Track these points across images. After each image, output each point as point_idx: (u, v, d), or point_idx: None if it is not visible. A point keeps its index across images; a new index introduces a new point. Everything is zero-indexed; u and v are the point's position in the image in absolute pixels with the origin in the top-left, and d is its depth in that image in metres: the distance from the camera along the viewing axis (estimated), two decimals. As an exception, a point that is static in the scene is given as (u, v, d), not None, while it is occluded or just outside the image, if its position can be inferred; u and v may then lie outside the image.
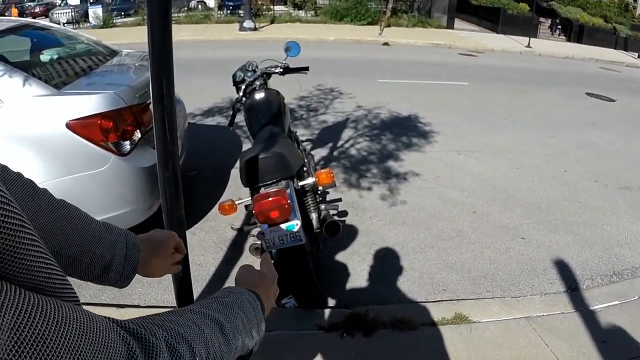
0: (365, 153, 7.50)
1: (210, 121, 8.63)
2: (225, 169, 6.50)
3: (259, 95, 4.47)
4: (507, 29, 28.66)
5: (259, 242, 3.46)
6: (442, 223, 5.53)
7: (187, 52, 14.80)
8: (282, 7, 30.73)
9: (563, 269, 4.80)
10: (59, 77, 4.41)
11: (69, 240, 1.15)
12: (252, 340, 1.03)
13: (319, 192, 4.18)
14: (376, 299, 4.12)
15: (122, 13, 31.22)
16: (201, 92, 9.80)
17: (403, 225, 5.43)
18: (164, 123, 2.02)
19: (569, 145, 8.67)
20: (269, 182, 3.52)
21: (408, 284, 4.41)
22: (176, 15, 27.65)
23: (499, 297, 4.26)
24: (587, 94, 13.33)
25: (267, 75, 4.73)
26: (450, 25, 29.41)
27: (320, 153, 7.31)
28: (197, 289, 3.91)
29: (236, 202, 3.76)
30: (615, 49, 27.98)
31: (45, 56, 4.91)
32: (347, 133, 8.33)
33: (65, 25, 24.70)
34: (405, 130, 8.71)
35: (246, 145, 6.84)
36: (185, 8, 32.01)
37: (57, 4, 37.78)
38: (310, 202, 3.91)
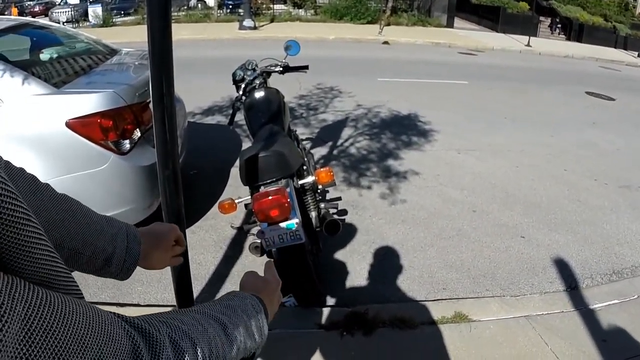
0: (365, 152, 7.50)
1: (210, 120, 8.63)
2: (225, 167, 6.50)
3: (259, 94, 4.46)
4: (507, 28, 28.66)
5: (259, 241, 3.46)
6: (442, 222, 5.53)
7: (187, 51, 14.80)
8: (282, 6, 30.77)
9: (563, 267, 4.80)
10: (59, 76, 4.41)
11: (70, 233, 1.15)
12: (255, 343, 1.04)
13: (319, 190, 4.17)
14: (376, 297, 4.13)
15: (122, 12, 31.22)
16: (201, 91, 9.80)
17: (403, 223, 5.43)
18: (164, 122, 2.03)
19: (569, 144, 8.66)
20: (268, 181, 3.52)
21: (408, 283, 4.41)
22: (176, 14, 27.67)
23: (499, 296, 4.26)
24: (587, 93, 13.33)
25: (266, 74, 4.73)
26: (450, 24, 29.41)
27: (320, 152, 7.31)
28: (196, 288, 3.91)
29: (236, 201, 3.76)
30: (615, 47, 27.98)
31: (44, 55, 4.91)
32: (346, 132, 8.33)
33: (65, 24, 24.67)
34: (405, 129, 8.72)
35: (246, 144, 6.84)
36: (185, 7, 32.05)
37: (57, 3, 37.79)
38: (310, 200, 3.91)
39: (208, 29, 23.25)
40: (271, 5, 29.88)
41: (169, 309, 3.36)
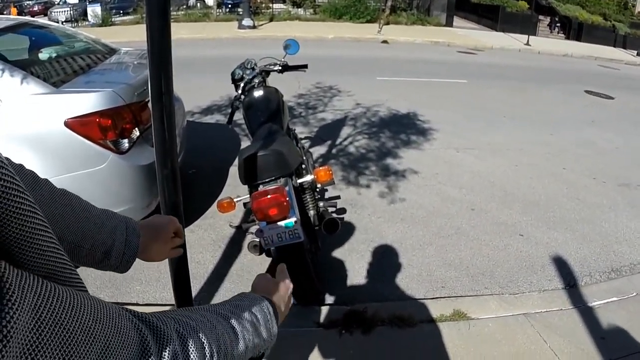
0: (364, 150, 7.50)
1: (209, 119, 8.63)
2: (224, 166, 6.51)
3: (258, 93, 4.47)
4: (506, 27, 28.69)
5: (258, 240, 3.46)
6: (440, 220, 5.53)
7: (186, 50, 14.80)
8: (281, 5, 30.77)
9: (561, 265, 4.80)
10: (58, 76, 4.41)
11: (70, 227, 1.17)
12: (264, 343, 1.06)
13: (318, 189, 4.18)
14: (375, 296, 4.13)
15: (121, 11, 31.24)
16: (200, 90, 9.81)
17: (402, 222, 5.43)
18: (163, 121, 2.03)
19: (568, 142, 8.67)
20: (267, 180, 3.52)
21: (406, 281, 4.42)
22: (175, 13, 27.67)
23: (498, 294, 4.26)
24: (586, 91, 13.33)
25: (265, 73, 4.73)
26: (449, 23, 29.43)
27: (319, 151, 7.32)
28: (195, 287, 3.92)
29: (235, 200, 3.76)
30: (614, 46, 28.03)
31: (43, 54, 4.91)
32: (345, 131, 8.34)
33: (64, 23, 24.68)
34: (404, 128, 8.72)
35: (245, 143, 6.84)
36: (184, 6, 32.07)
37: (56, 3, 37.78)
38: (308, 199, 3.92)
39: (207, 28, 23.25)
40: (270, 5, 29.92)
41: (168, 308, 3.38)
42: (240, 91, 4.52)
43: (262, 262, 4.41)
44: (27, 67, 4.16)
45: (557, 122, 10.02)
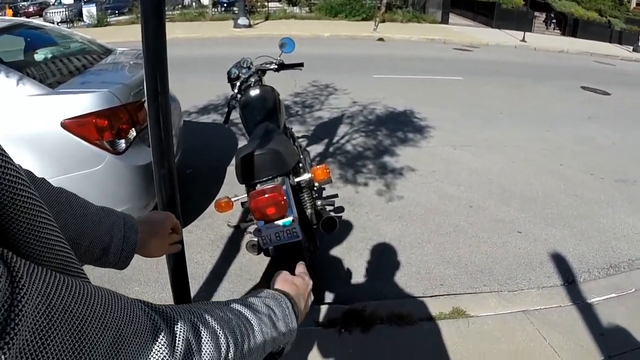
0: (361, 149, 7.50)
1: (206, 119, 8.62)
2: (221, 166, 6.50)
3: (254, 92, 4.46)
4: (502, 24, 28.69)
5: (256, 239, 3.46)
6: (438, 218, 5.53)
7: (182, 50, 14.80)
8: (277, 4, 30.78)
9: (560, 262, 4.80)
10: (54, 76, 4.40)
11: (68, 225, 1.16)
12: (283, 338, 1.05)
13: (315, 188, 4.17)
14: (373, 294, 4.12)
15: (116, 11, 31.21)
16: (196, 90, 9.79)
17: (400, 220, 5.43)
18: (159, 120, 2.02)
19: (565, 139, 8.68)
20: (265, 179, 3.52)
21: (405, 279, 4.42)
22: (170, 13, 27.68)
23: (496, 291, 4.26)
24: (583, 87, 13.35)
25: (262, 71, 4.72)
26: (444, 20, 29.45)
27: (316, 149, 7.31)
28: (194, 287, 3.91)
29: (232, 199, 3.75)
30: (610, 42, 28.05)
31: (39, 55, 4.90)
32: (342, 129, 8.34)
33: (60, 24, 24.60)
34: (400, 126, 8.72)
35: (242, 142, 6.84)
36: (180, 6, 32.07)
37: (51, 3, 37.74)
38: (306, 198, 3.91)
39: (203, 28, 23.23)
40: (266, 3, 29.90)
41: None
42: (236, 90, 4.51)
43: (261, 262, 4.40)
44: (23, 68, 4.15)
45: (553, 118, 10.03)
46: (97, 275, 4.05)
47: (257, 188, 3.42)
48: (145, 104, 2.01)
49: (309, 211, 3.89)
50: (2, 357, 0.48)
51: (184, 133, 5.80)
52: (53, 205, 1.14)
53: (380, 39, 21.36)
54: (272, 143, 3.61)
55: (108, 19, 28.19)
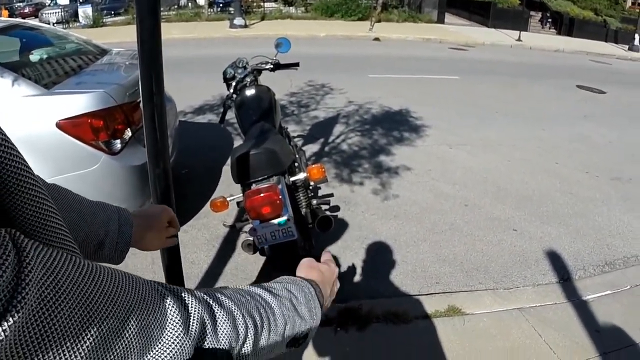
0: (356, 148, 7.50)
1: (201, 119, 8.61)
2: (217, 166, 6.50)
3: (250, 92, 4.46)
4: (498, 23, 28.75)
5: (251, 239, 3.46)
6: (434, 216, 5.54)
7: (178, 50, 14.78)
8: (273, 4, 30.80)
9: (555, 259, 4.82)
10: (49, 77, 4.39)
11: (63, 219, 1.16)
12: (305, 323, 1.03)
13: (311, 187, 4.18)
14: (369, 293, 4.12)
15: (112, 12, 31.22)
16: (191, 90, 9.78)
17: (395, 219, 5.44)
18: (154, 120, 2.03)
19: (561, 138, 8.69)
20: (260, 178, 3.52)
21: (401, 278, 4.42)
22: (166, 13, 27.67)
23: (492, 289, 4.27)
24: (578, 86, 13.38)
25: (257, 71, 4.72)
26: (440, 20, 29.49)
27: (311, 149, 7.32)
28: (189, 287, 3.89)
29: (228, 199, 3.76)
30: (606, 41, 28.14)
31: (34, 56, 4.89)
32: (338, 128, 8.34)
33: (55, 25, 24.61)
34: (396, 125, 8.72)
35: (237, 142, 6.83)
36: (176, 6, 32.05)
37: (47, 4, 37.69)
38: (301, 197, 3.91)
39: (198, 28, 23.21)
40: (262, 3, 29.94)
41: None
42: (232, 90, 4.51)
43: (256, 261, 4.41)
44: (18, 69, 4.14)
45: (549, 117, 10.04)
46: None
47: (252, 187, 3.42)
48: (141, 104, 2.01)
49: (304, 210, 3.89)
50: (12, 324, 0.49)
51: (179, 133, 5.80)
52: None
53: (376, 39, 21.36)
54: (268, 142, 3.61)
55: (104, 20, 28.13)
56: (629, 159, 7.83)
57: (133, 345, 0.67)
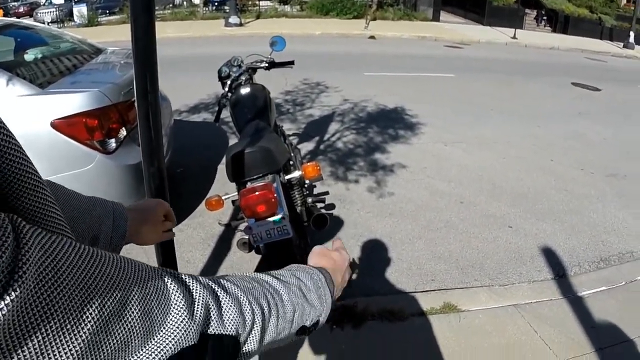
0: (352, 146, 7.51)
1: (196, 118, 8.60)
2: (212, 165, 6.49)
3: (245, 90, 4.46)
4: (493, 21, 28.76)
5: (247, 237, 3.46)
6: (429, 214, 5.55)
7: (173, 49, 14.76)
8: (268, 2, 30.69)
9: (550, 256, 4.83)
10: (44, 77, 4.39)
11: None
12: (315, 311, 1.02)
13: (306, 185, 4.17)
14: (365, 290, 4.12)
15: (107, 11, 31.08)
16: (187, 89, 9.76)
17: (391, 216, 5.44)
18: (148, 119, 2.02)
19: (556, 135, 8.72)
20: (255, 177, 3.51)
21: (396, 275, 4.43)
22: (161, 12, 27.60)
23: (487, 286, 4.28)
24: (573, 84, 13.41)
25: (252, 70, 4.71)
26: (436, 18, 29.49)
27: (306, 147, 7.32)
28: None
29: (223, 198, 3.75)
30: (601, 39, 28.20)
31: (29, 56, 4.88)
32: (333, 126, 8.34)
33: (50, 24, 24.53)
34: (391, 123, 8.73)
35: (232, 141, 6.83)
36: (171, 5, 31.96)
37: (42, 4, 37.56)
38: (297, 195, 3.91)
39: (194, 27, 23.16)
40: (257, 2, 29.85)
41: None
42: (227, 89, 4.50)
43: (252, 260, 4.41)
44: (13, 68, 4.14)
45: (544, 114, 10.07)
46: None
47: (247, 186, 3.41)
48: (135, 103, 2.01)
49: (299, 208, 3.89)
50: (10, 304, 0.49)
51: (174, 132, 5.80)
52: None
53: (372, 37, 21.36)
54: (263, 141, 3.61)
55: (99, 19, 28.04)
56: (623, 156, 7.85)
57: (136, 330, 0.67)
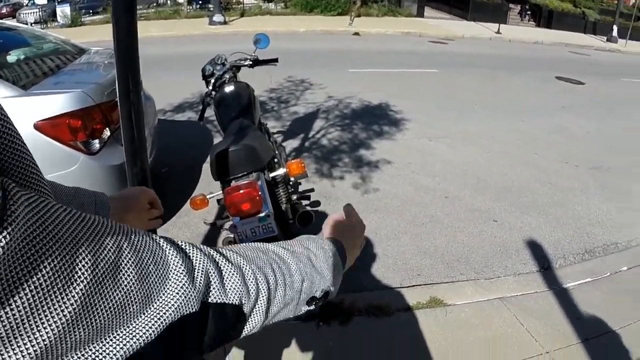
0: (336, 143, 7.52)
1: (181, 117, 8.58)
2: (196, 164, 6.48)
3: (229, 89, 4.45)
4: (477, 16, 28.80)
5: (232, 235, 3.46)
6: (414, 209, 5.57)
7: (156, 48, 14.70)
8: (252, 0, 30.62)
9: (535, 249, 4.87)
10: (27, 78, 4.36)
11: None
12: (325, 281, 0.99)
13: (291, 183, 4.18)
14: (351, 286, 4.11)
15: (91, 11, 30.87)
16: (170, 88, 9.72)
17: (376, 212, 5.46)
18: (131, 119, 2.02)
19: (540, 129, 8.78)
20: (239, 175, 3.51)
21: (382, 271, 4.45)
22: (145, 11, 27.47)
23: (473, 280, 4.31)
24: (557, 77, 13.50)
25: (236, 68, 4.70)
26: (420, 14, 29.49)
27: (291, 144, 7.32)
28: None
29: (207, 196, 3.75)
30: (585, 33, 28.31)
31: (12, 57, 4.85)
32: (318, 123, 8.35)
33: (33, 25, 24.38)
34: (376, 119, 8.75)
35: (217, 140, 6.82)
36: (154, 4, 31.81)
37: (25, 4, 37.29)
38: (282, 193, 3.91)
39: (177, 26, 23.07)
40: (241, 0, 29.77)
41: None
42: (210, 87, 4.49)
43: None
44: (-5, 70, 4.12)
45: (528, 109, 10.12)
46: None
47: (232, 184, 3.42)
48: (118, 103, 2.01)
49: (284, 206, 3.89)
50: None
51: (159, 131, 5.78)
52: None
53: (356, 34, 21.35)
54: (247, 139, 3.61)
55: (82, 19, 27.87)
56: (607, 149, 7.91)
57: (133, 294, 0.65)
